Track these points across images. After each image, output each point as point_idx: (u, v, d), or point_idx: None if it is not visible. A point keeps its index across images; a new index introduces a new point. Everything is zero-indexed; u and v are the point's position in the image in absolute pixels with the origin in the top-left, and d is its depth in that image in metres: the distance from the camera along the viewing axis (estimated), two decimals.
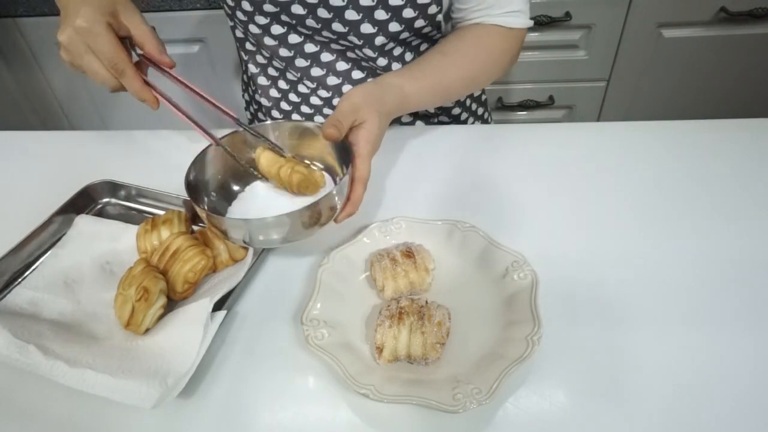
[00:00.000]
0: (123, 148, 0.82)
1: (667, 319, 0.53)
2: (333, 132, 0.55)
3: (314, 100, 0.81)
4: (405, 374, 0.50)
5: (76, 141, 0.87)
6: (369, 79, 0.78)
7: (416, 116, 0.86)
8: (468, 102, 0.90)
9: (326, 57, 0.76)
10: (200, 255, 0.56)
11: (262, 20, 0.73)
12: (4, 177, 0.78)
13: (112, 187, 0.70)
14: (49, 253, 0.62)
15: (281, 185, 0.60)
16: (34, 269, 0.61)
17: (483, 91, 0.94)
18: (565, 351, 0.51)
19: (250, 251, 0.59)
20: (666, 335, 0.52)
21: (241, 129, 0.62)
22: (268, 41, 0.75)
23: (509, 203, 0.68)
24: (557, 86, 1.44)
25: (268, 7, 0.70)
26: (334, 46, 0.75)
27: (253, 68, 0.83)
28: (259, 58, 0.81)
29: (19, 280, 0.60)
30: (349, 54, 0.76)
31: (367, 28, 0.70)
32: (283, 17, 0.71)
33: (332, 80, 0.78)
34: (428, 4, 0.69)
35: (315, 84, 0.79)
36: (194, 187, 0.58)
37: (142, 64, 0.62)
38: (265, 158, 0.60)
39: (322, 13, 0.69)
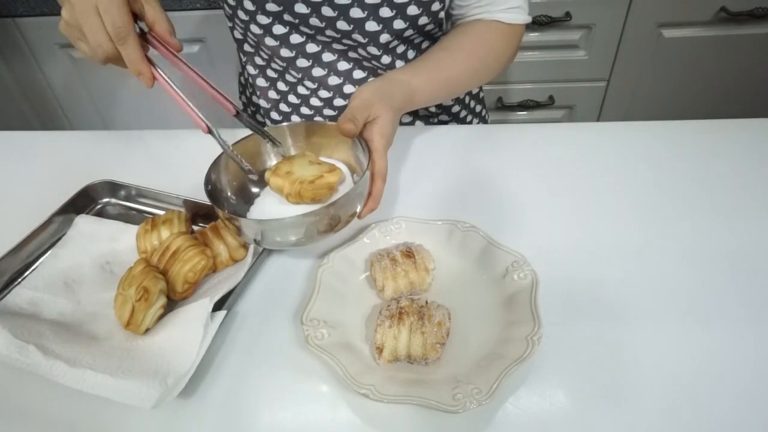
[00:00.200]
0: (123, 148, 0.82)
1: (667, 319, 0.53)
2: (350, 127, 0.55)
3: (314, 102, 0.81)
4: (405, 374, 0.49)
5: (76, 141, 0.87)
6: (370, 79, 0.78)
7: (416, 116, 0.86)
8: (467, 99, 0.90)
9: (328, 57, 0.76)
10: (200, 255, 0.56)
11: (264, 20, 0.73)
12: (4, 177, 0.78)
13: (112, 187, 0.70)
14: (49, 253, 0.62)
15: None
16: (34, 269, 0.61)
17: (481, 89, 0.95)
18: (565, 351, 0.51)
19: (250, 251, 0.59)
20: (666, 335, 0.52)
21: (251, 132, 0.61)
22: (269, 41, 0.75)
23: (509, 203, 0.68)
24: (557, 86, 1.44)
25: (271, 6, 0.70)
26: (335, 45, 0.75)
27: (251, 70, 0.83)
28: (258, 60, 0.81)
29: (19, 280, 0.60)
30: (351, 54, 0.76)
31: (372, 26, 0.70)
32: (286, 16, 0.71)
33: (333, 80, 0.78)
34: (432, 1, 0.70)
35: (316, 84, 0.79)
36: (213, 192, 0.57)
37: (143, 44, 0.58)
38: (273, 183, 0.59)
39: (327, 11, 0.69)
